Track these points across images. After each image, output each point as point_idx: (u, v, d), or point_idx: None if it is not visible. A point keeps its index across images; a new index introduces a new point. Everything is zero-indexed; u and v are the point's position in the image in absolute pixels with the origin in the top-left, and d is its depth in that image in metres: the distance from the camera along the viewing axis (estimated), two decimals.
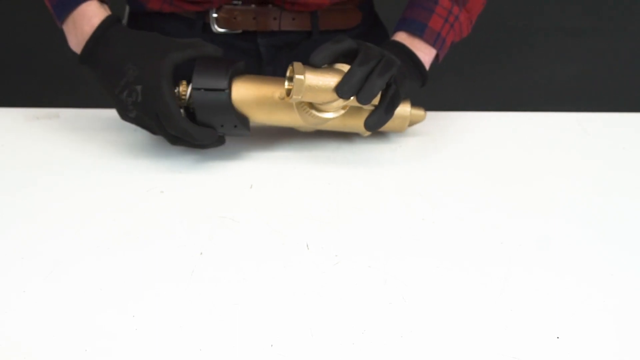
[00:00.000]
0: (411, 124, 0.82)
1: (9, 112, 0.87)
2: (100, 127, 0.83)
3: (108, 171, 0.74)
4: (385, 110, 0.72)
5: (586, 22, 2.82)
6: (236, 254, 0.62)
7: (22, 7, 2.75)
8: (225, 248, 0.63)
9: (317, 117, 0.72)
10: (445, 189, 0.73)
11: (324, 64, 0.69)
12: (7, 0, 2.78)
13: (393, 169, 0.77)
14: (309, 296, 0.57)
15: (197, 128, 0.71)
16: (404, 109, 0.79)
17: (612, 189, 0.74)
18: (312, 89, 0.68)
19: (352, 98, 0.69)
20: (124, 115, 0.73)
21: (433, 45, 0.81)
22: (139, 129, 0.81)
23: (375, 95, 0.69)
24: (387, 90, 0.72)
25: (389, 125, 0.78)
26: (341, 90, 0.68)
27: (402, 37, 0.82)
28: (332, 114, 0.73)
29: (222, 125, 0.72)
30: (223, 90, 0.71)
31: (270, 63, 0.90)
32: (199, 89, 0.71)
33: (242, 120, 0.73)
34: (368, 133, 0.79)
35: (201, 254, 0.62)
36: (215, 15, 0.85)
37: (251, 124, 0.75)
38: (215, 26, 0.86)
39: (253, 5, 0.85)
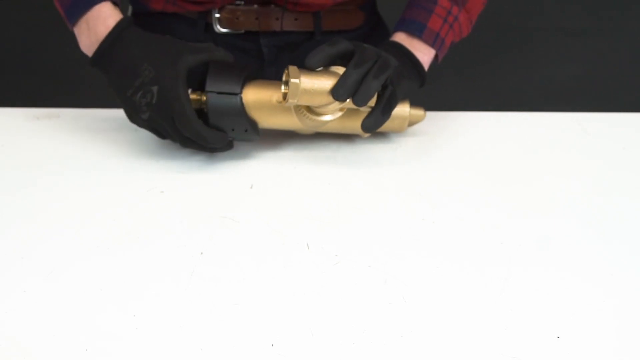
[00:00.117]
0: (411, 124, 0.82)
1: (9, 112, 0.87)
2: (100, 127, 0.83)
3: (108, 171, 0.74)
4: (382, 112, 0.72)
5: (586, 22, 2.82)
6: (236, 254, 0.62)
7: (22, 7, 2.75)
8: (225, 248, 0.63)
9: (315, 120, 0.73)
10: (445, 189, 0.73)
11: (320, 67, 0.69)
12: (7, 0, 2.78)
13: (393, 169, 0.77)
14: (309, 296, 0.57)
15: (210, 131, 0.71)
16: (403, 109, 0.79)
17: (612, 189, 0.74)
18: (308, 92, 0.68)
19: (348, 100, 0.69)
20: (135, 116, 0.72)
21: (432, 45, 0.81)
22: (139, 129, 0.81)
23: (371, 97, 0.69)
24: (384, 91, 0.72)
25: (388, 125, 0.78)
26: (337, 93, 0.68)
27: (401, 37, 0.81)
28: (330, 117, 0.73)
29: (233, 129, 0.73)
30: (236, 94, 0.72)
31: (272, 63, 0.90)
32: (212, 92, 0.71)
33: (252, 124, 0.74)
34: (367, 134, 0.79)
35: (201, 254, 0.62)
36: (217, 15, 0.85)
37: None
38: (218, 26, 0.86)
39: (255, 6, 0.85)
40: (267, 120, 0.74)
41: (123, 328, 0.53)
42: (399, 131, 0.81)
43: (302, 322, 0.54)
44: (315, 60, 0.69)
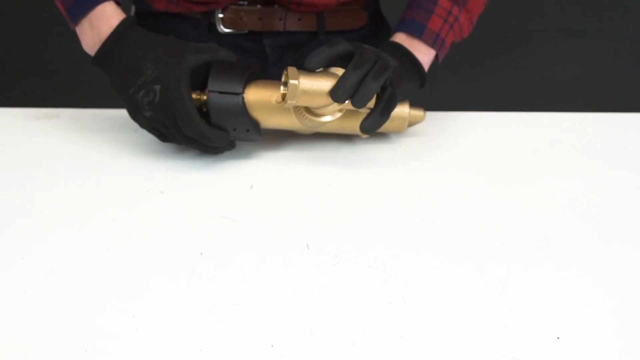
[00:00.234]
0: (410, 124, 0.82)
1: (9, 112, 0.87)
2: (100, 127, 0.83)
3: (108, 171, 0.74)
4: (381, 113, 0.72)
5: (586, 23, 2.82)
6: (236, 254, 0.62)
7: (22, 7, 2.75)
8: (225, 248, 0.63)
9: (314, 120, 0.73)
10: (445, 189, 0.73)
11: (319, 68, 0.69)
12: (7, 0, 2.78)
13: (393, 169, 0.77)
14: (309, 296, 0.57)
15: (212, 130, 0.71)
16: (402, 110, 0.79)
17: (612, 189, 0.74)
18: (307, 93, 0.68)
19: (347, 101, 0.69)
20: (138, 115, 0.73)
21: (432, 46, 0.81)
22: (139, 128, 0.81)
23: (370, 99, 0.69)
24: (383, 92, 0.72)
25: (388, 126, 0.78)
26: (335, 95, 0.68)
27: (401, 38, 0.81)
28: (329, 118, 0.73)
29: (234, 129, 0.73)
30: (238, 94, 0.72)
31: (275, 63, 0.90)
32: (214, 92, 0.71)
33: (254, 124, 0.74)
34: (366, 135, 0.79)
35: (201, 254, 0.62)
36: (221, 15, 0.85)
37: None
38: (221, 26, 0.86)
39: (259, 6, 0.85)
40: (266, 121, 0.74)
41: (123, 328, 0.53)
42: (398, 132, 0.81)
43: (302, 323, 0.54)
44: (314, 61, 0.69)
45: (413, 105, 0.80)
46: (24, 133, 0.82)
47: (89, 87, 2.21)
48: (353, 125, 0.76)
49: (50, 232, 0.64)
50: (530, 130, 0.87)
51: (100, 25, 0.74)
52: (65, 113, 0.87)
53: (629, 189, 0.74)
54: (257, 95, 0.73)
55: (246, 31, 0.86)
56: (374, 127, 0.72)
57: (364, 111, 0.72)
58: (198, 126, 0.70)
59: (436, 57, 0.83)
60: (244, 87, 0.73)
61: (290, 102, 0.69)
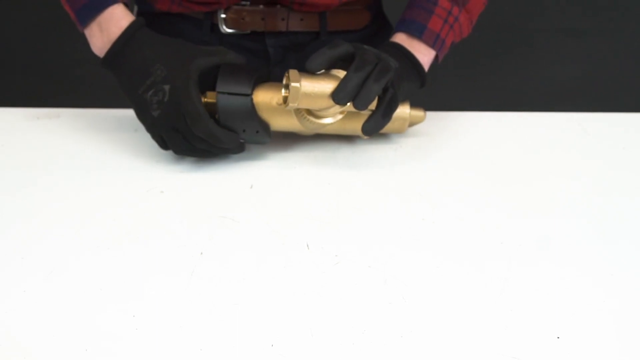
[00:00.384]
0: (411, 124, 0.82)
1: (9, 112, 0.87)
2: (100, 127, 0.83)
3: (108, 171, 0.74)
4: (382, 115, 0.72)
5: (586, 23, 2.82)
6: (236, 254, 0.62)
7: (22, 7, 2.75)
8: (225, 248, 0.63)
9: (315, 122, 0.73)
10: (445, 189, 0.73)
11: (320, 70, 0.69)
12: (7, 0, 2.78)
13: (393, 169, 0.77)
14: (309, 296, 0.57)
15: (221, 130, 0.71)
16: (403, 111, 0.79)
17: (612, 189, 0.74)
18: (308, 96, 0.68)
19: (349, 104, 0.69)
20: (145, 115, 0.72)
21: (432, 46, 0.81)
22: (139, 129, 0.82)
23: (371, 101, 0.69)
24: (384, 94, 0.71)
25: (389, 126, 0.78)
26: (337, 97, 0.68)
27: (401, 38, 0.81)
28: (330, 120, 0.73)
29: (244, 131, 0.73)
30: (247, 95, 0.72)
31: (278, 64, 0.90)
32: (223, 93, 0.71)
33: (263, 126, 0.74)
34: (367, 136, 0.79)
35: (201, 254, 0.62)
36: (223, 15, 0.85)
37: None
38: (224, 27, 0.86)
39: (261, 6, 0.85)
40: (267, 122, 0.74)
41: (123, 328, 0.53)
42: (399, 132, 0.81)
43: (302, 322, 0.54)
44: (315, 63, 0.69)
45: (413, 105, 0.81)
46: (24, 133, 0.82)
47: (89, 87, 2.20)
48: (354, 126, 0.76)
49: (50, 232, 0.64)
50: (530, 130, 0.87)
51: (109, 28, 0.74)
52: (65, 113, 0.87)
53: (629, 189, 0.74)
54: (258, 98, 0.73)
55: (249, 31, 0.86)
56: (375, 129, 0.72)
57: (365, 112, 0.72)
58: (207, 125, 0.70)
59: (436, 57, 0.83)
60: (253, 89, 0.73)
61: (292, 104, 0.68)
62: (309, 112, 0.72)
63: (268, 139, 0.75)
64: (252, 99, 0.72)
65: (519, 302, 0.57)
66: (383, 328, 0.54)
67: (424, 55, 0.81)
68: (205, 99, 0.72)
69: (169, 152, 0.76)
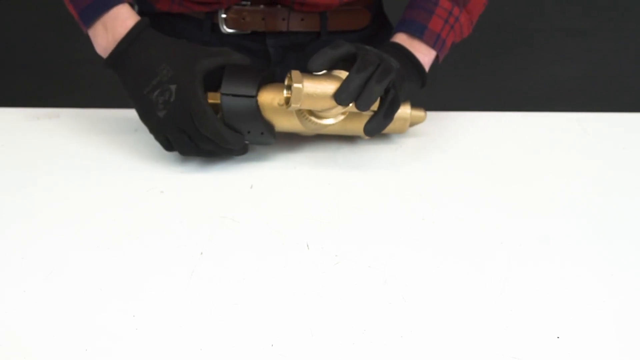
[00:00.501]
0: (411, 125, 0.82)
1: (9, 112, 0.87)
2: (100, 127, 0.83)
3: (108, 171, 0.74)
4: (384, 116, 0.72)
5: (586, 23, 2.82)
6: (236, 254, 0.62)
7: (22, 7, 2.75)
8: (225, 248, 0.63)
9: (317, 123, 0.73)
10: (445, 189, 0.73)
11: (322, 70, 0.69)
12: (7, 0, 2.78)
13: (393, 169, 0.77)
14: (309, 296, 0.57)
15: (228, 130, 0.71)
16: (404, 111, 0.79)
17: (612, 189, 0.74)
18: (311, 96, 0.68)
19: (351, 104, 0.69)
20: (151, 115, 0.72)
21: (433, 46, 0.81)
22: (139, 129, 0.82)
23: (373, 102, 0.69)
24: (386, 95, 0.71)
25: (390, 127, 0.78)
26: (339, 98, 0.68)
27: (401, 38, 0.81)
28: (332, 120, 0.73)
29: (248, 132, 0.73)
30: (252, 96, 0.72)
31: (278, 64, 0.90)
32: (228, 95, 0.71)
33: (268, 127, 0.74)
34: (369, 137, 0.79)
35: (201, 254, 0.62)
36: (224, 15, 0.85)
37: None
38: (224, 27, 0.86)
39: (262, 6, 0.85)
40: (272, 123, 0.75)
41: (123, 328, 0.53)
42: (400, 132, 0.81)
43: (302, 322, 0.54)
44: (317, 63, 0.69)
45: (414, 105, 0.81)
46: (24, 133, 0.82)
47: (89, 87, 2.21)
48: (355, 127, 0.76)
49: (50, 232, 0.64)
50: (530, 130, 0.87)
51: (115, 27, 0.74)
52: (65, 113, 0.87)
53: (629, 189, 0.74)
54: (260, 98, 0.73)
55: (249, 31, 0.86)
56: (377, 130, 0.72)
57: (367, 113, 0.72)
58: (215, 124, 0.70)
59: (436, 57, 0.83)
60: (258, 90, 0.73)
61: (294, 105, 0.68)
62: (311, 112, 0.72)
63: (273, 140, 0.75)
64: (257, 101, 0.72)
65: (519, 302, 0.57)
66: (383, 328, 0.54)
67: (425, 55, 0.81)
68: (210, 100, 0.72)
69: (169, 152, 0.76)
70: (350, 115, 0.74)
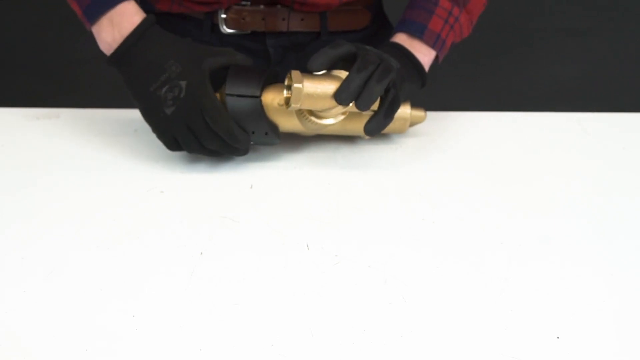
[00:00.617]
0: (411, 125, 0.82)
1: (9, 112, 0.87)
2: (100, 127, 0.83)
3: (108, 171, 0.74)
4: (384, 115, 0.72)
5: (586, 23, 2.82)
6: (236, 254, 0.62)
7: (22, 7, 2.75)
8: (225, 248, 0.63)
9: (317, 123, 0.73)
10: (445, 189, 0.73)
11: (322, 70, 0.69)
12: (7, 0, 2.78)
13: (393, 169, 0.77)
14: (309, 296, 0.57)
15: (238, 128, 0.71)
16: (404, 111, 0.79)
17: (612, 189, 0.74)
18: (311, 96, 0.68)
19: (351, 104, 0.69)
20: (157, 113, 0.72)
21: (433, 46, 0.81)
22: (139, 129, 0.82)
23: (374, 102, 0.69)
24: (386, 95, 0.71)
25: (390, 127, 0.78)
26: (340, 98, 0.68)
27: (401, 38, 0.81)
28: (332, 120, 0.73)
29: (253, 132, 0.73)
30: (256, 97, 0.72)
31: (278, 64, 0.90)
32: (232, 95, 0.71)
33: (272, 127, 0.74)
34: (369, 137, 0.79)
35: (201, 254, 0.62)
36: (223, 15, 0.85)
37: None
38: (224, 27, 0.86)
39: (262, 6, 0.85)
40: (276, 123, 0.75)
41: (123, 328, 0.53)
42: (400, 132, 0.81)
43: (302, 322, 0.54)
44: (317, 63, 0.69)
45: (414, 105, 0.81)
46: (24, 133, 0.82)
47: (89, 87, 2.21)
48: (355, 127, 0.76)
49: (50, 232, 0.64)
50: (530, 130, 0.87)
51: (122, 23, 0.74)
52: (65, 113, 0.87)
53: (629, 189, 0.74)
54: (262, 99, 0.73)
55: (249, 31, 0.86)
56: (377, 130, 0.72)
57: (367, 113, 0.72)
58: (229, 121, 0.70)
59: (436, 57, 0.83)
60: (262, 90, 0.73)
61: (295, 105, 0.69)
62: (311, 112, 0.72)
63: (277, 140, 0.75)
64: (261, 101, 0.72)
65: (519, 302, 0.57)
66: (383, 328, 0.54)
67: (425, 55, 0.81)
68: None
69: (169, 152, 0.76)
70: (350, 115, 0.74)
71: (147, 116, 0.73)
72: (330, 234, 0.65)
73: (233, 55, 0.74)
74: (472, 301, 0.57)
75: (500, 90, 2.41)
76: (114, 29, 0.74)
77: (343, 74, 0.70)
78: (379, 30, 0.95)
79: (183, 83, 0.70)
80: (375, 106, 0.72)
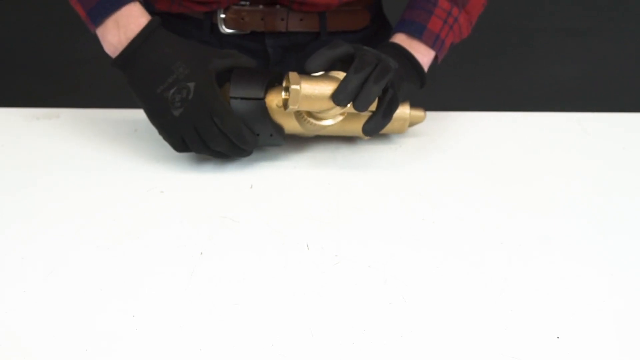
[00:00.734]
0: (411, 125, 0.82)
1: (9, 112, 0.87)
2: (100, 127, 0.83)
3: (108, 171, 0.74)
4: (382, 116, 0.72)
5: (586, 23, 2.82)
6: (236, 254, 0.62)
7: (22, 7, 2.75)
8: (225, 248, 0.63)
9: (315, 124, 0.73)
10: (445, 189, 0.73)
11: (320, 71, 0.69)
12: (7, 0, 2.78)
13: (393, 169, 0.77)
14: (309, 296, 0.57)
15: (247, 129, 0.72)
16: (403, 111, 0.79)
17: (612, 189, 0.74)
18: (309, 98, 0.68)
19: (349, 105, 0.69)
20: (164, 114, 0.71)
21: (432, 47, 0.81)
22: (139, 129, 0.82)
23: (372, 102, 0.69)
24: (385, 95, 0.71)
25: (389, 127, 0.78)
26: (337, 98, 0.68)
27: (400, 38, 0.81)
28: (330, 121, 0.73)
29: (258, 134, 0.73)
30: (260, 99, 0.72)
31: (277, 64, 0.90)
32: (236, 98, 0.72)
33: (277, 129, 0.74)
34: (368, 137, 0.79)
35: (201, 254, 0.62)
36: (223, 15, 0.85)
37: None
38: (223, 27, 0.86)
39: (261, 6, 0.85)
40: (281, 125, 0.75)
41: (123, 328, 0.53)
42: (399, 132, 0.81)
43: (302, 322, 0.54)
44: (315, 64, 0.69)
45: (413, 105, 0.80)
46: (24, 133, 0.82)
47: (89, 87, 2.21)
48: (354, 127, 0.76)
49: (50, 232, 0.64)
50: (530, 130, 0.87)
51: (128, 24, 0.73)
52: (65, 113, 0.87)
53: (629, 189, 0.74)
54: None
55: (248, 31, 0.86)
56: (376, 130, 0.72)
57: (366, 113, 0.72)
58: (238, 122, 0.70)
59: (435, 57, 0.83)
60: (266, 92, 0.73)
61: (292, 107, 0.69)
62: (309, 114, 0.72)
63: (282, 141, 0.75)
64: (265, 103, 0.72)
65: (519, 302, 0.57)
66: (383, 328, 0.54)
67: (424, 55, 0.81)
68: None
69: (169, 153, 0.76)
70: (349, 116, 0.74)
71: (154, 118, 0.73)
72: (330, 234, 0.65)
73: (238, 57, 0.74)
74: (472, 301, 0.57)
75: (500, 90, 2.41)
76: (120, 30, 0.74)
77: (341, 74, 0.69)
78: (378, 30, 0.95)
79: (191, 85, 0.70)
80: (373, 107, 0.72)
